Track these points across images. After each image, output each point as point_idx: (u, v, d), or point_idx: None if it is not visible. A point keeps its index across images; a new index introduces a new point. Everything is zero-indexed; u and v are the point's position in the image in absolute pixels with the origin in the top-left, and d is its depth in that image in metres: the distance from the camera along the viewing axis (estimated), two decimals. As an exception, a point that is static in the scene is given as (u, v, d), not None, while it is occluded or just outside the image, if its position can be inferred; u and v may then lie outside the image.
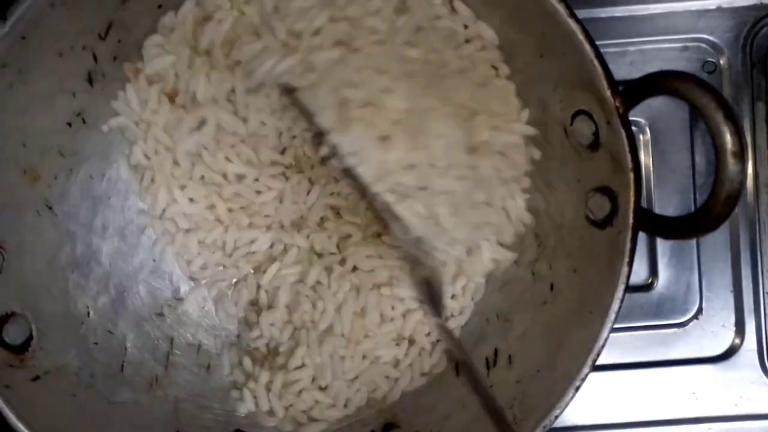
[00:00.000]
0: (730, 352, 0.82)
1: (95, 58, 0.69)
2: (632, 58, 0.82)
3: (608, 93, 0.59)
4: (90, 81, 0.70)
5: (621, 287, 0.60)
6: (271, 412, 0.73)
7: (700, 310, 0.82)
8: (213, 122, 0.72)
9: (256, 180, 0.75)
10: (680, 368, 0.82)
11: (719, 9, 0.82)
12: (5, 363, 0.63)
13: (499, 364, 0.72)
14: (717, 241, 0.82)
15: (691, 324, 0.82)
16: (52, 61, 0.66)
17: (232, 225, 0.75)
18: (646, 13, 0.82)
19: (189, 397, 0.74)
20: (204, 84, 0.71)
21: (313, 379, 0.74)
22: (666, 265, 0.82)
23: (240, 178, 0.75)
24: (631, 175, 0.59)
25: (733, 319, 0.82)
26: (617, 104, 0.59)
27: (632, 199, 0.59)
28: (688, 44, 0.82)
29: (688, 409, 0.82)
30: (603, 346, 0.61)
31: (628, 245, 0.60)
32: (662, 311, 0.82)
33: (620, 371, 0.82)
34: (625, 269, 0.60)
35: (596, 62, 0.60)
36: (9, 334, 0.64)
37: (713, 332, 0.82)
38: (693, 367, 0.82)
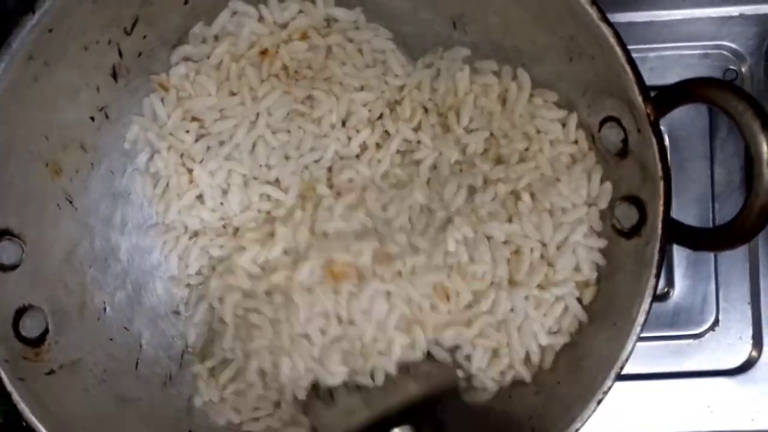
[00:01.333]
0: (746, 366, 0.81)
1: (120, 53, 0.69)
2: (652, 65, 0.81)
3: (640, 99, 0.58)
4: (114, 76, 0.70)
5: (647, 299, 0.59)
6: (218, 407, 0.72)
7: (716, 322, 0.81)
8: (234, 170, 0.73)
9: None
10: (695, 380, 0.81)
11: (742, 16, 0.81)
12: (20, 355, 0.63)
13: (519, 375, 0.71)
14: (735, 252, 0.81)
15: (707, 335, 0.81)
16: (78, 55, 0.66)
17: (230, 238, 0.74)
18: (667, 19, 0.81)
19: (202, 397, 0.73)
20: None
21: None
22: (683, 275, 0.81)
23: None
24: (662, 183, 0.58)
25: (750, 332, 0.81)
26: (649, 111, 0.58)
27: (661, 209, 0.58)
28: (709, 51, 0.81)
29: (703, 422, 0.81)
30: (627, 359, 0.60)
31: (656, 257, 0.58)
32: (678, 322, 0.81)
33: (633, 382, 0.81)
34: (652, 281, 0.59)
35: (628, 67, 0.59)
36: (25, 326, 0.65)
37: (730, 344, 0.81)
38: (708, 380, 0.81)
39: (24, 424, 0.79)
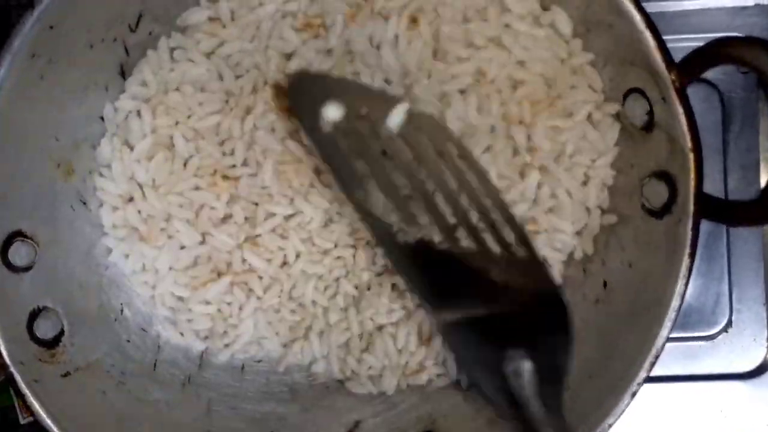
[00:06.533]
0: (761, 369, 0.80)
1: (127, 51, 0.68)
2: (665, 56, 0.80)
3: (662, 66, 0.56)
4: (123, 74, 0.69)
5: (682, 282, 0.58)
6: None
7: (729, 323, 0.80)
8: None
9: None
10: (708, 383, 0.80)
11: (757, 6, 0.80)
12: (35, 357, 0.63)
13: (549, 368, 0.69)
14: (749, 251, 0.80)
15: (720, 337, 0.80)
16: (83, 53, 0.65)
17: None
18: (680, 9, 0.80)
19: (221, 398, 0.72)
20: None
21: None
22: (695, 274, 0.77)
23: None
24: (691, 156, 0.56)
25: (765, 334, 0.80)
26: (673, 77, 0.56)
27: (693, 183, 0.56)
28: (723, 43, 0.80)
29: (716, 427, 0.80)
30: (662, 347, 0.58)
31: (689, 235, 0.57)
32: (689, 322, 0.80)
33: (643, 385, 0.79)
34: (686, 261, 0.57)
35: (648, 32, 0.57)
36: (40, 328, 0.64)
37: (743, 347, 0.80)
38: (721, 383, 0.80)
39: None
